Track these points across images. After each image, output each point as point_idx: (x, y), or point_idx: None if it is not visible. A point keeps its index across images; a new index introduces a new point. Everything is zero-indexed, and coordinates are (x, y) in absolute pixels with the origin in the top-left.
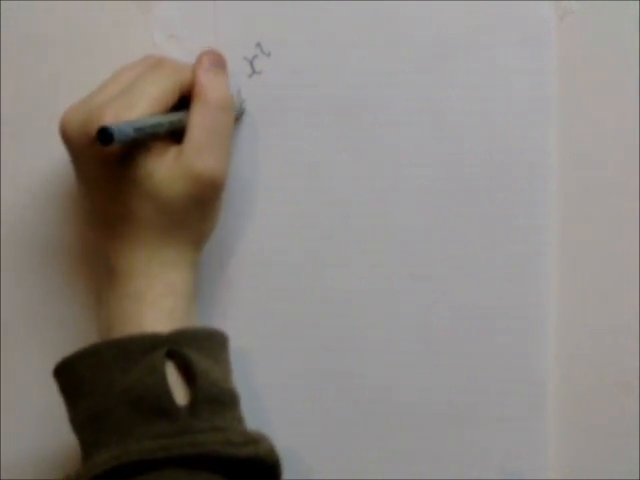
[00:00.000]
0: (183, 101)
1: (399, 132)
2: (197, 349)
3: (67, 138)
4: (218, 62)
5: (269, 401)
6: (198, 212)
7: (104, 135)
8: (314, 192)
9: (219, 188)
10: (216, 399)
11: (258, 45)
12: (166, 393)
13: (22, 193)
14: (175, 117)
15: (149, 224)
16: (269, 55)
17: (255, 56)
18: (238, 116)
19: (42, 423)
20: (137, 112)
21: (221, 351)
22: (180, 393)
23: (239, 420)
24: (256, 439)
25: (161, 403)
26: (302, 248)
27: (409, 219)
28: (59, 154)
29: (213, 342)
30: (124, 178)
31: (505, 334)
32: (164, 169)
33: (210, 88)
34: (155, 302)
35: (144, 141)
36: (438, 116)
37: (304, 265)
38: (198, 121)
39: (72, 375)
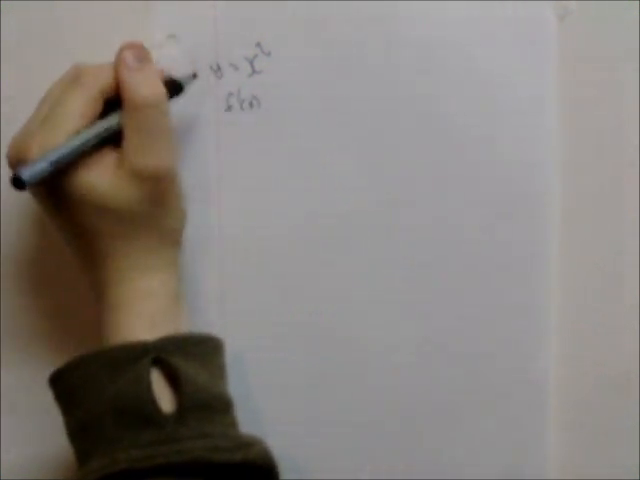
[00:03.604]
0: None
1: (399, 132)
2: (184, 355)
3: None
4: (140, 55)
5: (268, 401)
6: (156, 211)
7: (18, 183)
8: (314, 192)
9: (169, 181)
10: (204, 405)
11: (258, 45)
12: (151, 402)
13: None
14: (105, 124)
15: (110, 235)
16: (269, 55)
17: (255, 56)
18: (188, 82)
19: (42, 424)
20: (61, 136)
21: (213, 356)
22: (167, 401)
23: (231, 425)
24: (248, 443)
25: (147, 412)
26: (302, 248)
27: (409, 219)
28: None
29: (203, 348)
30: (70, 199)
31: (505, 334)
32: (107, 179)
33: (135, 86)
34: (133, 309)
35: (79, 158)
36: (438, 116)
37: (304, 265)
38: (130, 123)
39: (64, 385)
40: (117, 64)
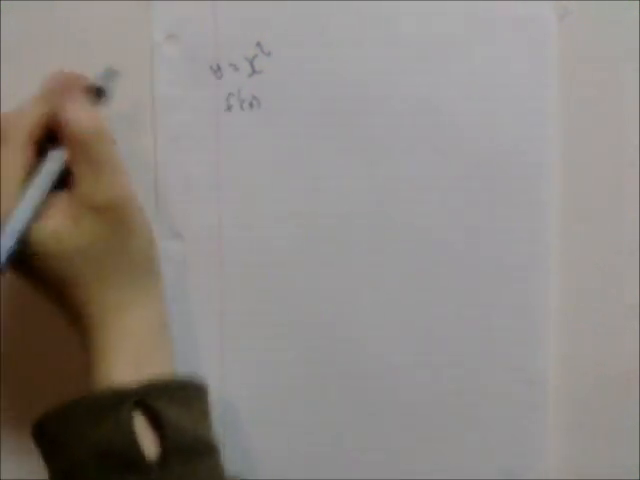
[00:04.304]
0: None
1: (399, 132)
2: (168, 400)
3: None
4: (66, 85)
5: (267, 401)
6: (121, 242)
7: None
8: (313, 192)
9: (127, 208)
10: (188, 448)
11: (258, 45)
12: (134, 447)
13: None
14: (49, 170)
15: (83, 283)
16: (269, 55)
17: (255, 56)
18: (107, 81)
19: None
20: (7, 201)
21: (196, 401)
22: (150, 445)
23: (215, 468)
24: None
25: (130, 457)
26: (302, 248)
27: (409, 219)
28: None
29: (186, 392)
30: (36, 256)
31: (505, 334)
32: (66, 222)
33: (71, 121)
34: (118, 352)
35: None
36: (438, 116)
37: (304, 265)
38: (78, 157)
39: (46, 434)
40: (48, 98)
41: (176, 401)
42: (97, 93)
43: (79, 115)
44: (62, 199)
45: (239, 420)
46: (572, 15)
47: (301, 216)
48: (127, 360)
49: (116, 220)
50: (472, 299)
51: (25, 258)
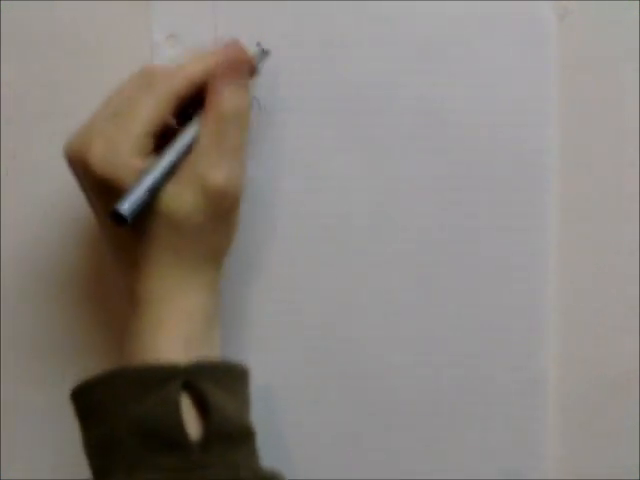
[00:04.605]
0: (189, 103)
1: (399, 132)
2: (214, 382)
3: (70, 167)
4: (238, 68)
5: (268, 401)
6: (212, 227)
7: (118, 219)
8: (314, 192)
9: (234, 202)
10: (230, 435)
11: (258, 45)
12: (179, 426)
13: (22, 193)
14: (185, 139)
15: (162, 244)
16: (269, 55)
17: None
18: (260, 60)
19: (42, 419)
20: (129, 136)
21: (240, 386)
22: (193, 427)
23: (253, 456)
24: (268, 477)
25: (173, 436)
26: (302, 248)
27: (409, 219)
28: (59, 153)
29: (232, 376)
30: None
31: (505, 334)
32: (172, 186)
33: (224, 98)
34: (171, 330)
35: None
36: (438, 116)
37: (304, 265)
38: (209, 132)
39: (87, 400)
40: (215, 69)
41: (222, 384)
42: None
43: (232, 96)
44: (182, 166)
45: None
46: (572, 15)
47: (301, 216)
48: (178, 340)
49: (221, 206)
50: (472, 299)
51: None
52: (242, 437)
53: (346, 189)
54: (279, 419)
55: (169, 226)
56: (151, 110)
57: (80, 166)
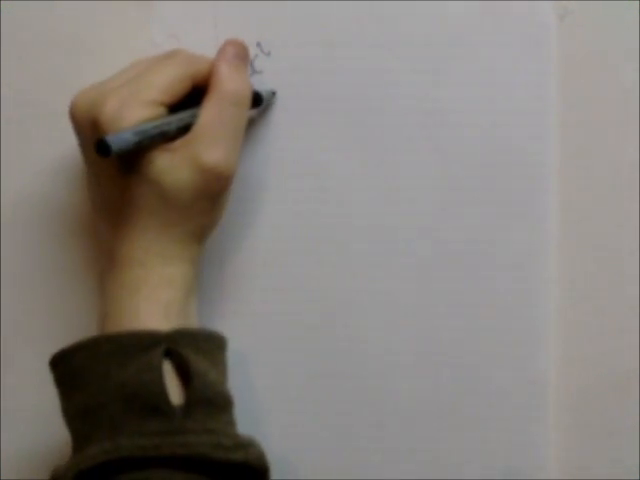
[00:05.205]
0: (196, 94)
1: (399, 131)
2: (195, 350)
3: (74, 122)
4: (241, 54)
5: (267, 401)
6: (202, 205)
7: (102, 147)
8: (314, 191)
9: (226, 182)
10: (211, 401)
11: (258, 45)
12: (161, 392)
13: (22, 191)
14: (185, 114)
15: (151, 212)
16: (269, 55)
17: (255, 56)
18: (268, 98)
19: (42, 420)
20: (142, 99)
21: (219, 353)
22: (175, 393)
23: (231, 424)
24: (246, 444)
25: (156, 401)
26: (302, 248)
27: (409, 219)
28: (59, 153)
29: (211, 344)
30: (126, 164)
31: (505, 334)
32: (167, 157)
33: (228, 80)
34: (151, 294)
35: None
36: (438, 116)
37: (304, 265)
38: (210, 112)
39: (68, 366)
40: (218, 54)
41: (202, 352)
42: (253, 100)
43: (232, 77)
44: (179, 142)
45: (238, 419)
46: (572, 15)
47: (301, 215)
48: (158, 305)
49: (212, 186)
50: (472, 299)
51: (129, 164)
52: (222, 404)
53: (346, 189)
54: (279, 419)
55: (160, 197)
56: (167, 80)
57: (88, 123)
